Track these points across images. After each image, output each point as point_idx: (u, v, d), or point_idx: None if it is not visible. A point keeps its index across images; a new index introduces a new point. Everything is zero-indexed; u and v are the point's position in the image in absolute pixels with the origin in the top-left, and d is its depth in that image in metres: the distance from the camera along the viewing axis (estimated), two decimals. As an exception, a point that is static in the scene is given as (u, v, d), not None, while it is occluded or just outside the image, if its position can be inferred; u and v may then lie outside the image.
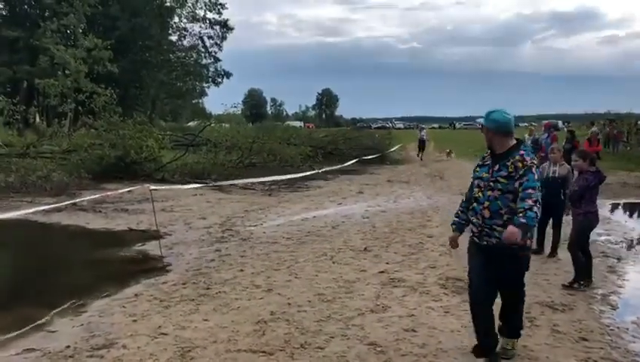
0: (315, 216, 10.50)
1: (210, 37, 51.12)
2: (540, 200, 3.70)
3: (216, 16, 50.08)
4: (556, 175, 7.20)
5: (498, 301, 4.09)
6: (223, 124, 24.62)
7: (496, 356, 3.99)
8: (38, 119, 38.62)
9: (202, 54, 52.09)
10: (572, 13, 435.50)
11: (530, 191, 3.68)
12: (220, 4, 49.30)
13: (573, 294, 5.74)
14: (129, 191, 9.82)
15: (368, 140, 28.96)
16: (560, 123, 55.71)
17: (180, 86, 50.67)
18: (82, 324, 4.90)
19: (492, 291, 3.98)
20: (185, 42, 51.13)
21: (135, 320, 4.95)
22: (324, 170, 17.75)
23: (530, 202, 3.65)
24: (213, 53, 51.89)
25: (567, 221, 6.77)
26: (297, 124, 61.86)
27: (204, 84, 54.76)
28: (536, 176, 3.74)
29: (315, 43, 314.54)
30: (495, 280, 3.93)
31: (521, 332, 4.21)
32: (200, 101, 64.80)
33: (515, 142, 3.93)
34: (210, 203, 12.20)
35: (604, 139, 26.76)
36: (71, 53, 27.25)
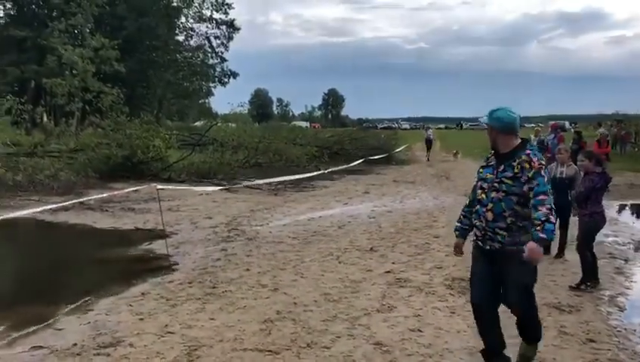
0: (321, 216, 10.51)
1: (216, 37, 51.22)
2: (553, 205, 3.53)
3: (223, 17, 50.19)
4: (563, 175, 7.17)
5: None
6: (230, 124, 24.69)
7: (504, 358, 3.85)
8: (45, 118, 38.79)
9: (209, 54, 52.20)
10: (579, 14, 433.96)
11: (542, 197, 3.50)
12: (227, 4, 49.40)
13: (581, 295, 5.72)
14: (136, 190, 9.87)
15: (374, 140, 28.98)
16: (567, 124, 55.49)
17: (187, 86, 50.79)
18: (89, 322, 4.92)
19: (496, 295, 3.76)
20: (191, 42, 51.27)
21: (142, 319, 4.97)
22: (330, 170, 17.77)
23: (544, 210, 3.45)
24: (220, 53, 52.00)
25: (574, 221, 6.75)
26: (303, 124, 61.91)
27: (211, 84, 54.88)
28: (546, 179, 3.57)
29: (321, 43, 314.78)
30: (500, 286, 3.72)
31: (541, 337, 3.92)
32: (206, 101, 64.94)
33: (520, 141, 3.77)
34: (216, 202, 12.22)
35: (611, 140, 26.62)
36: (78, 52, 27.36)
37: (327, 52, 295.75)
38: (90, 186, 13.44)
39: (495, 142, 3.80)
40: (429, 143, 28.66)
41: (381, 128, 67.30)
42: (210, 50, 51.81)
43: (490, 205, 3.68)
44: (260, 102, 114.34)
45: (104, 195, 10.37)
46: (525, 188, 3.55)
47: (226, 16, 50.22)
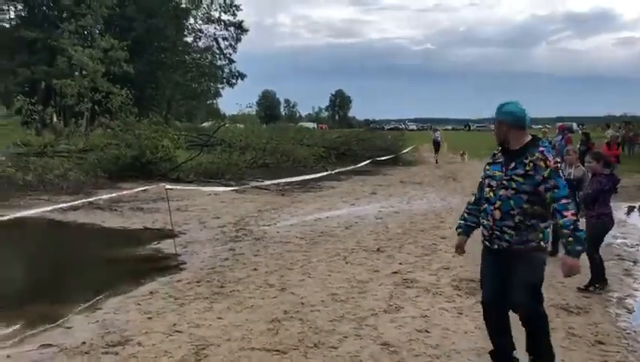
0: (328, 217, 10.52)
1: (224, 38, 51.45)
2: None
3: (231, 18, 50.41)
4: (571, 177, 7.14)
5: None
6: (237, 125, 24.77)
7: (513, 361, 3.78)
8: (55, 119, 39.04)
9: (217, 55, 52.43)
10: (587, 15, 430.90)
11: (564, 201, 3.39)
12: (235, 5, 49.61)
13: (589, 297, 5.69)
14: (144, 190, 9.93)
15: (381, 141, 28.91)
16: (574, 125, 55.18)
17: (195, 87, 51.01)
18: (98, 321, 4.96)
19: (505, 295, 3.66)
20: (200, 43, 51.52)
21: (150, 318, 5.00)
22: (337, 170, 17.77)
23: (570, 216, 3.37)
24: (228, 55, 52.24)
25: (582, 223, 6.70)
26: (310, 125, 61.92)
27: (219, 85, 55.12)
28: (564, 180, 3.49)
29: (328, 44, 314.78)
30: (507, 287, 3.61)
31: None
32: (214, 102, 65.20)
33: (530, 137, 3.64)
34: (224, 202, 12.27)
35: (620, 142, 26.41)
36: (88, 53, 27.55)
37: (334, 53, 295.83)
38: (100, 186, 13.52)
39: (506, 138, 3.65)
40: (436, 145, 28.32)
41: (388, 129, 67.08)
42: (218, 51, 52.08)
43: (498, 203, 3.57)
44: (268, 104, 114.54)
45: (113, 195, 10.43)
46: (541, 187, 3.44)
47: (234, 18, 50.51)
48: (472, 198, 3.97)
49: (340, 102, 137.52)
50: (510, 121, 3.63)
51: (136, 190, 10.38)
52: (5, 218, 7.14)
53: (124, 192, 10.80)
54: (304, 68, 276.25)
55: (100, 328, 4.77)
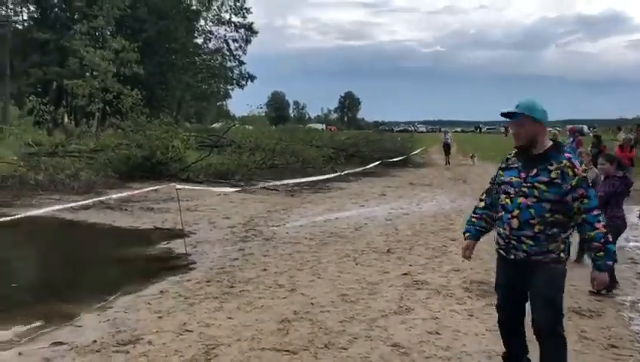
0: (337, 218, 10.51)
1: (234, 40, 51.69)
2: None
3: (241, 20, 50.61)
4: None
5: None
6: (247, 126, 24.83)
7: None
8: (66, 119, 39.42)
9: (227, 57, 52.67)
10: (598, 17, 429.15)
11: (595, 212, 3.23)
12: (245, 8, 49.81)
13: (601, 300, 5.64)
14: (155, 189, 9.96)
15: (390, 143, 28.84)
16: (585, 128, 54.81)
17: (205, 88, 51.26)
18: (108, 320, 4.97)
19: (522, 307, 3.56)
20: (210, 45, 51.83)
21: (160, 317, 5.01)
22: (346, 172, 17.75)
23: (602, 228, 3.22)
24: (238, 56, 52.47)
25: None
26: (319, 126, 62.00)
27: (229, 87, 55.39)
28: (594, 190, 3.30)
29: (338, 46, 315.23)
30: (526, 298, 3.46)
31: None
32: (224, 103, 65.50)
33: (550, 142, 3.40)
34: (233, 203, 12.29)
35: (633, 144, 26.16)
36: (99, 54, 27.74)
37: (343, 55, 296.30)
38: (110, 186, 13.59)
39: (534, 140, 3.33)
40: (446, 147, 28.07)
41: (397, 131, 67.05)
42: (228, 53, 52.35)
43: (516, 211, 3.32)
44: (277, 105, 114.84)
45: (123, 195, 10.49)
46: (569, 197, 3.23)
47: (245, 20, 50.68)
48: (481, 203, 3.72)
49: (349, 103, 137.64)
50: (542, 119, 3.35)
51: (146, 190, 10.42)
52: (17, 217, 7.19)
53: (135, 192, 10.85)
54: (313, 70, 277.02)
55: (110, 327, 4.78)
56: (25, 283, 6.76)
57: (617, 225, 5.98)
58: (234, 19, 50.37)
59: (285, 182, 13.94)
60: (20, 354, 4.24)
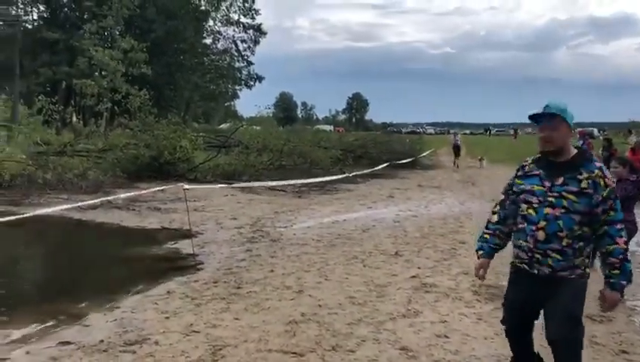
0: (345, 219, 10.47)
1: (243, 41, 51.82)
2: None
3: (250, 21, 50.71)
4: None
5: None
6: (254, 127, 24.85)
7: None
8: (75, 119, 39.68)
9: (235, 58, 52.80)
10: (609, 19, 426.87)
11: (618, 226, 3.06)
12: (254, 9, 49.92)
13: (612, 305, 5.55)
14: (162, 189, 9.97)
15: (399, 145, 28.72)
16: (595, 130, 54.49)
17: (213, 89, 51.43)
18: (115, 320, 4.97)
19: (532, 324, 3.41)
20: (219, 45, 51.99)
21: (167, 317, 5.00)
22: (354, 173, 17.70)
23: (623, 244, 3.05)
24: (246, 57, 52.58)
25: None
26: (327, 127, 61.99)
27: (237, 87, 55.55)
28: (619, 201, 3.12)
29: (346, 47, 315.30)
30: (538, 314, 3.32)
31: None
32: (232, 103, 65.69)
33: (576, 150, 3.20)
34: (240, 203, 12.28)
35: (643, 148, 25.96)
36: (108, 53, 27.88)
37: (352, 56, 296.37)
38: (118, 185, 13.64)
39: (563, 145, 3.13)
40: (456, 149, 27.81)
41: (406, 133, 66.95)
42: (236, 53, 52.45)
43: (542, 223, 3.09)
44: (285, 106, 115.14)
45: (131, 194, 10.51)
46: (599, 209, 3.05)
47: (253, 21, 50.78)
48: (494, 217, 3.45)
49: (357, 105, 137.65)
50: (570, 120, 3.15)
51: (153, 190, 10.44)
52: (25, 215, 7.21)
53: (142, 192, 10.87)
54: (322, 71, 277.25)
55: (117, 327, 4.78)
56: (32, 283, 6.79)
57: (629, 229, 5.89)
58: (243, 20, 50.56)
59: (292, 182, 13.92)
60: (27, 352, 4.25)
